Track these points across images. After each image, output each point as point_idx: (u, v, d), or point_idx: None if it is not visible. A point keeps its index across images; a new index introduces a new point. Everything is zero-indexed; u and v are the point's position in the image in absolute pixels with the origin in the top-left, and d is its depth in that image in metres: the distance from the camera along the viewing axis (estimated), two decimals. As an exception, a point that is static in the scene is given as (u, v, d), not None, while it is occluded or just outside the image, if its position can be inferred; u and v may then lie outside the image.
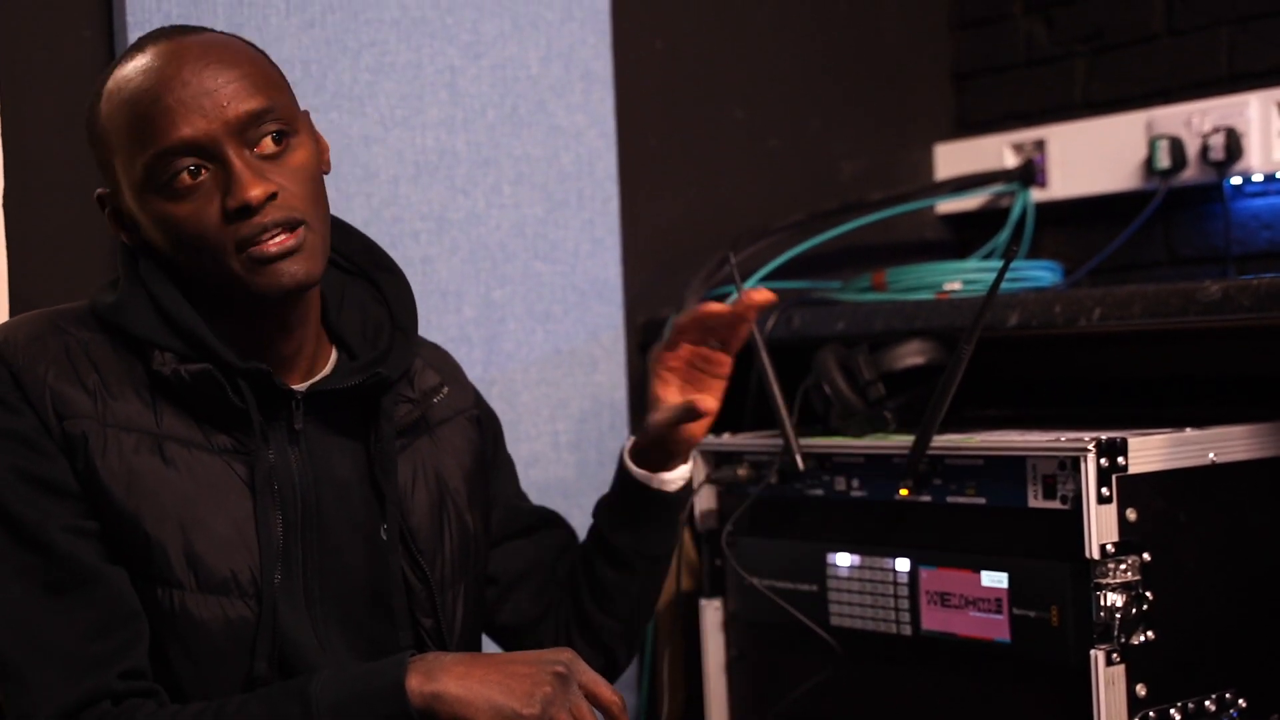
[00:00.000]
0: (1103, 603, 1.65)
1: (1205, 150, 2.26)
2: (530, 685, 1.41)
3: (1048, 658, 1.70)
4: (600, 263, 2.31)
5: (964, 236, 2.65)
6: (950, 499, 1.80)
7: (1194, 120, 2.28)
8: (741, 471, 2.03)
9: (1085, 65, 2.54)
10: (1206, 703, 1.73)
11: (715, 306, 1.71)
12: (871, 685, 1.90)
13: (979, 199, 2.57)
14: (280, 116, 1.47)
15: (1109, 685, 1.65)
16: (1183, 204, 2.36)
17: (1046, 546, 1.70)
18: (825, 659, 1.90)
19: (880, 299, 2.19)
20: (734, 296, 2.20)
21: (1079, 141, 2.45)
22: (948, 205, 2.62)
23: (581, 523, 2.32)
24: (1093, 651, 1.65)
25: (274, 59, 1.55)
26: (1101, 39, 2.51)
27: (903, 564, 1.84)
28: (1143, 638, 1.67)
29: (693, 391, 1.73)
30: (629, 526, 1.74)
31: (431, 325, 2.13)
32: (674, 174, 2.44)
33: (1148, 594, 1.68)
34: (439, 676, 1.40)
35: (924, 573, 1.81)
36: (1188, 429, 1.75)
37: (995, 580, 1.74)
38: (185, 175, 1.43)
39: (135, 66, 1.46)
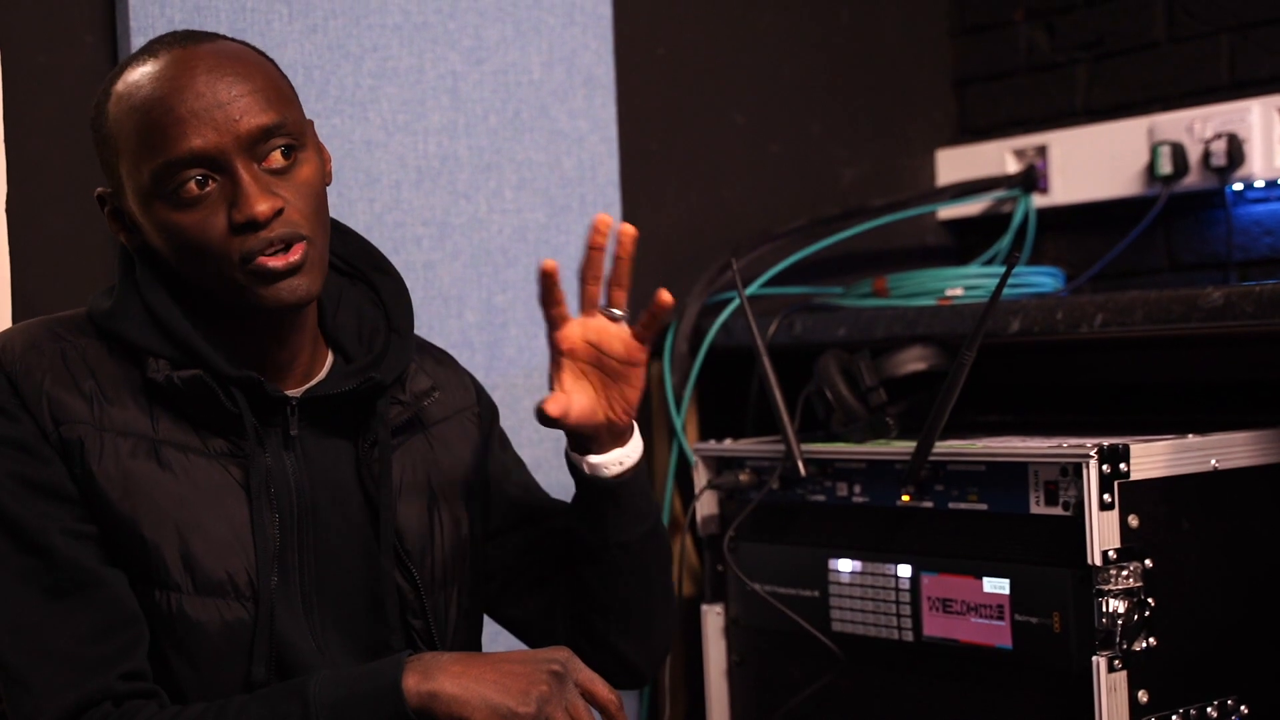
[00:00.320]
0: (1104, 609, 1.65)
1: (1207, 156, 2.26)
2: (526, 684, 1.41)
3: (1049, 664, 1.70)
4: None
5: (965, 242, 2.65)
6: (952, 505, 1.80)
7: (1196, 126, 2.28)
8: (743, 477, 2.03)
9: (1087, 71, 2.54)
10: (1209, 709, 1.73)
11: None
12: (873, 691, 1.90)
13: (980, 205, 2.57)
14: (290, 131, 1.47)
15: (1111, 692, 1.64)
16: (1184, 210, 2.36)
17: (1048, 553, 1.70)
18: (827, 665, 1.90)
19: (882, 305, 2.19)
20: (735, 303, 2.20)
21: (1081, 147, 2.45)
22: (949, 211, 2.62)
23: (583, 528, 2.31)
24: (1094, 658, 1.65)
25: (277, 64, 1.55)
26: (1103, 45, 2.51)
27: (904, 570, 1.84)
28: (1144, 644, 1.67)
29: (590, 385, 1.60)
30: (584, 516, 1.65)
31: (434, 330, 2.13)
32: (676, 179, 2.45)
33: (1150, 600, 1.68)
34: (435, 676, 1.40)
35: (926, 579, 1.81)
36: (1190, 435, 1.75)
37: (997, 586, 1.74)
38: (192, 185, 1.43)
39: (147, 72, 1.46)
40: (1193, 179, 2.29)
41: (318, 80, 2.07)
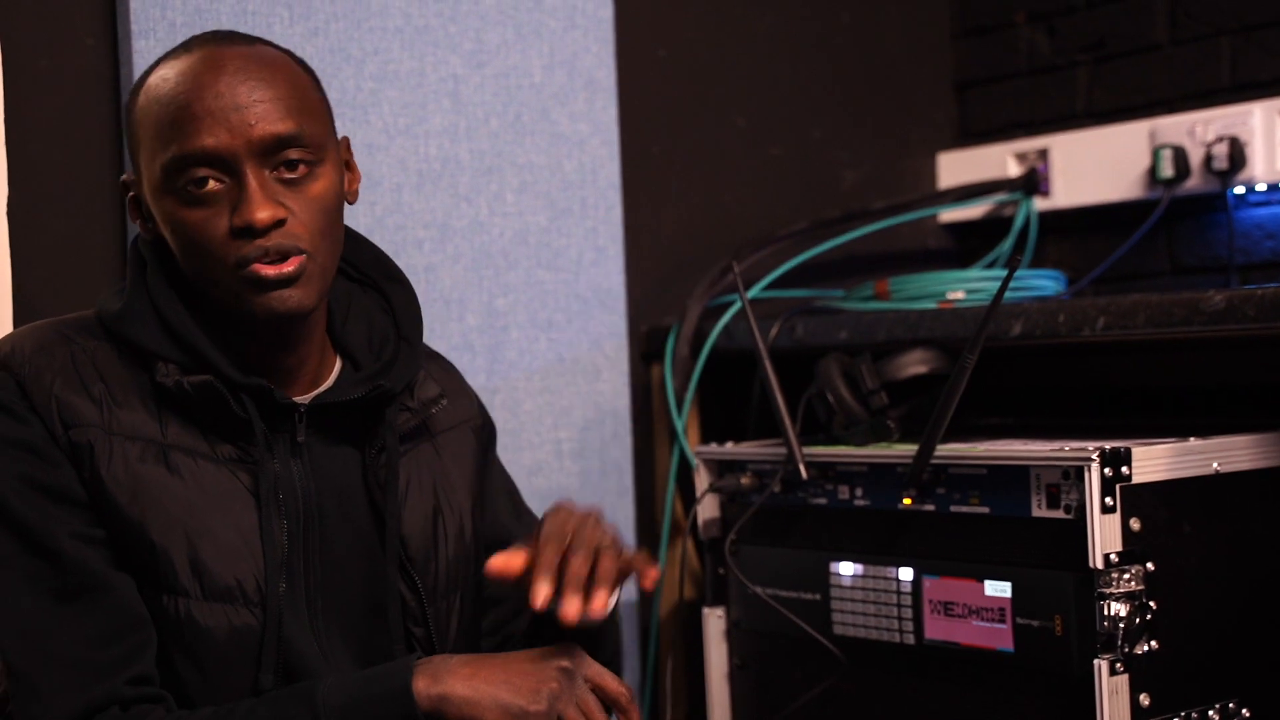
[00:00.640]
0: (1106, 612, 1.65)
1: (1209, 159, 2.25)
2: (536, 682, 1.42)
3: (1051, 667, 1.70)
4: (603, 271, 2.31)
5: (967, 245, 2.65)
6: (954, 508, 1.80)
7: (1197, 129, 2.28)
8: (745, 480, 2.03)
9: (1088, 74, 2.54)
10: (1210, 712, 1.73)
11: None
12: (874, 695, 1.89)
13: (982, 208, 2.57)
14: (306, 144, 1.47)
15: (1112, 695, 1.64)
16: (1186, 213, 2.35)
17: (1050, 556, 1.70)
18: (828, 668, 1.89)
19: (883, 308, 2.19)
20: (736, 306, 2.20)
21: (1082, 151, 2.45)
22: (951, 214, 2.61)
23: (584, 531, 2.31)
24: (1096, 661, 1.65)
25: (317, 78, 1.55)
26: (1104, 48, 2.51)
27: (906, 573, 1.84)
28: (1146, 647, 1.67)
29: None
30: (540, 620, 1.61)
31: (435, 334, 2.13)
32: (677, 182, 2.45)
33: (1151, 604, 1.68)
34: (445, 678, 1.41)
35: (927, 582, 1.81)
36: (1191, 439, 1.75)
37: (998, 590, 1.74)
38: (200, 183, 1.44)
39: (177, 66, 1.47)
40: (1194, 182, 2.29)
41: (319, 83, 2.08)
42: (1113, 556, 1.65)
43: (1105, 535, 1.65)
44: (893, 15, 2.68)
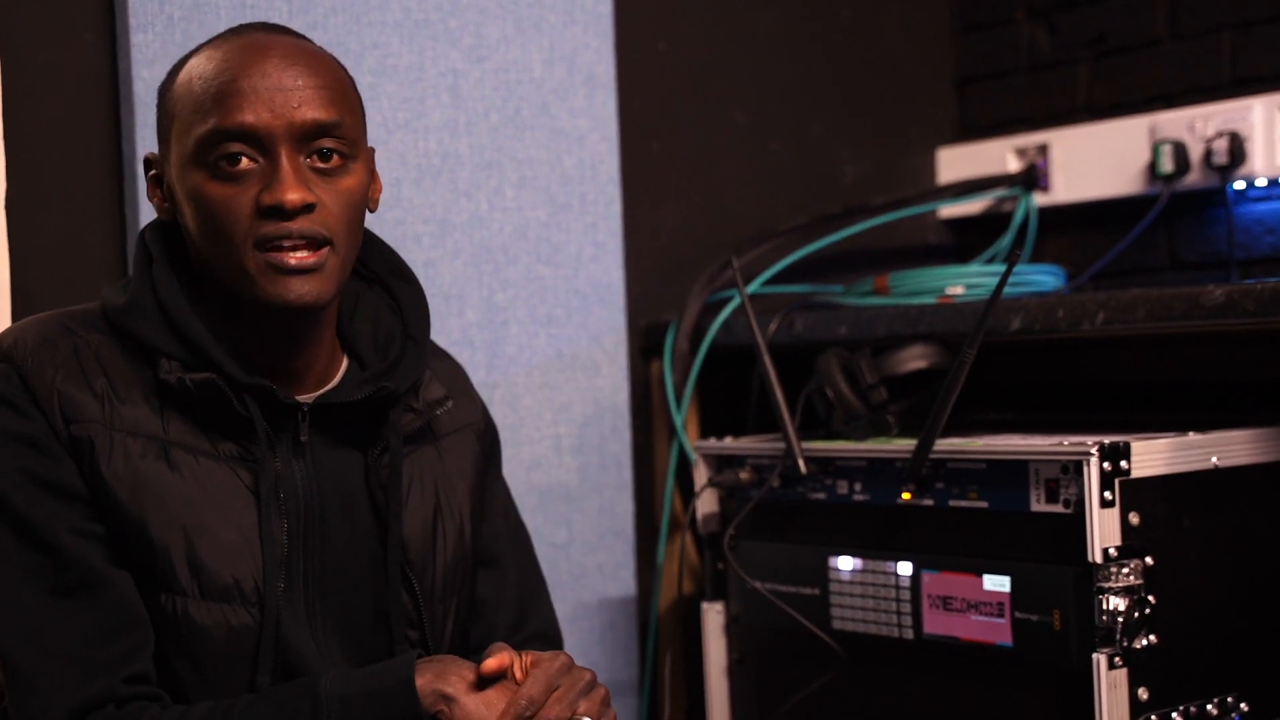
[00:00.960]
0: (1105, 607, 1.65)
1: (1208, 154, 2.25)
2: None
3: (1050, 662, 1.70)
4: (603, 266, 2.31)
5: (966, 241, 2.65)
6: (953, 503, 1.80)
7: (1197, 124, 2.28)
8: (744, 475, 2.03)
9: (1088, 69, 2.54)
10: (1209, 706, 1.73)
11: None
12: (873, 689, 1.89)
13: (981, 203, 2.57)
14: (344, 136, 1.47)
15: (1111, 689, 1.64)
16: (1186, 208, 2.35)
17: (1049, 550, 1.70)
18: (827, 663, 1.90)
19: (883, 303, 2.19)
20: (735, 302, 2.20)
21: (1082, 146, 2.45)
22: (950, 209, 2.61)
23: (585, 525, 2.32)
24: (1095, 655, 1.65)
25: (355, 82, 1.55)
26: (1104, 43, 2.51)
27: (905, 568, 1.84)
28: (1145, 642, 1.67)
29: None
30: None
31: (434, 329, 2.11)
32: (676, 178, 2.44)
33: (1150, 598, 1.68)
34: (448, 677, 1.41)
35: (926, 576, 1.81)
36: (1191, 433, 1.75)
37: (997, 584, 1.74)
38: (233, 159, 1.43)
39: (224, 48, 1.47)
40: (1194, 177, 2.29)
41: (318, 78, 2.07)
42: (1111, 551, 1.65)
43: (1104, 530, 1.65)
44: (893, 11, 2.68)
